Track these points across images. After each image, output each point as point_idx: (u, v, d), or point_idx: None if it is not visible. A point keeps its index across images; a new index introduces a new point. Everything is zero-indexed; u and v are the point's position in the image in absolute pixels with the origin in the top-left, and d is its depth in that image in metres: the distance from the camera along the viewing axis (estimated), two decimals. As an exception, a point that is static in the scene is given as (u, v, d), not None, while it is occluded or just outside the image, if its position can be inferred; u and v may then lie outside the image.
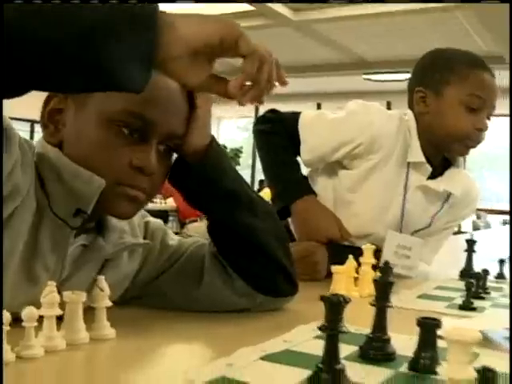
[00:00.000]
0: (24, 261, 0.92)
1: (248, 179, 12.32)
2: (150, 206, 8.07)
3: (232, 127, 13.85)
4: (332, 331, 0.69)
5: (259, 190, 8.27)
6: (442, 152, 1.79)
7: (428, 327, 0.79)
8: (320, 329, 0.70)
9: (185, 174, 1.05)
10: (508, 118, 9.45)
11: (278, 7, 6.82)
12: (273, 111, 1.86)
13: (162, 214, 7.64)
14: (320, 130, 1.76)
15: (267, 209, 1.17)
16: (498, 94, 1.75)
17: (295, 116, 1.79)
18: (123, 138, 0.96)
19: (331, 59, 9.05)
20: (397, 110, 1.82)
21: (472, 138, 1.72)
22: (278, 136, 1.80)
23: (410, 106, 1.81)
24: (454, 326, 0.56)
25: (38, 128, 11.46)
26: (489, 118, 1.74)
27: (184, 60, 0.80)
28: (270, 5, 6.66)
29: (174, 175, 1.06)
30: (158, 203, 8.22)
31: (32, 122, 10.49)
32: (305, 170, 1.87)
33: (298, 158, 1.81)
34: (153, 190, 1.03)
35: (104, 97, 0.94)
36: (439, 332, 0.77)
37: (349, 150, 1.72)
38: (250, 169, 12.67)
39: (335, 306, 0.69)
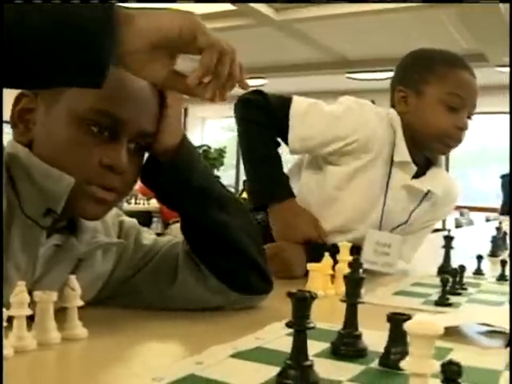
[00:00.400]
0: None
1: (232, 179, 12.31)
2: (133, 206, 8.09)
3: (216, 127, 13.81)
4: (299, 327, 0.69)
5: (244, 191, 8.25)
6: (423, 151, 1.79)
7: (398, 322, 0.79)
8: (287, 325, 0.70)
9: (156, 173, 1.05)
10: (493, 116, 9.56)
11: (261, 7, 6.81)
12: (259, 93, 1.80)
13: (146, 215, 7.64)
14: (314, 120, 1.73)
15: (239, 206, 1.17)
16: (477, 92, 1.76)
17: (285, 102, 1.75)
18: (93, 136, 0.96)
19: (314, 58, 9.05)
20: (383, 109, 1.82)
21: (452, 137, 1.73)
22: (263, 127, 1.77)
23: (393, 105, 1.82)
24: (417, 319, 0.56)
25: (7, 129, 11.28)
26: (470, 117, 1.75)
27: (142, 54, 0.80)
28: (252, 4, 6.64)
29: (145, 174, 1.06)
30: (141, 204, 8.21)
31: None
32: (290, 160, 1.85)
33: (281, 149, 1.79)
34: (125, 189, 1.03)
35: (73, 95, 0.95)
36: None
37: (341, 146, 1.71)
38: (234, 169, 12.65)
39: (302, 302, 0.69)
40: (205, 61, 0.85)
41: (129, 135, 0.98)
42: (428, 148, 1.78)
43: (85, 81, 0.78)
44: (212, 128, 13.80)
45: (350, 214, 1.76)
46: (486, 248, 2.38)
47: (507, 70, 7.01)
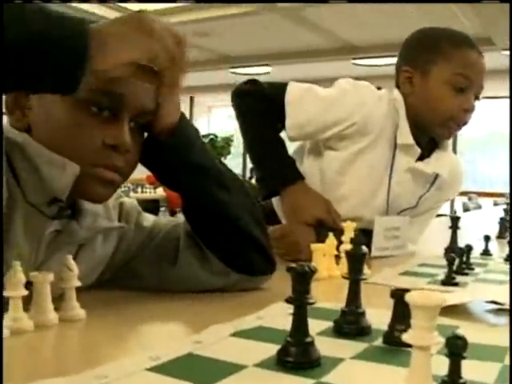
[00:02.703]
0: None
1: (239, 168, 12.30)
2: (140, 195, 8.10)
3: (223, 116, 13.79)
4: (299, 302, 0.67)
5: (251, 178, 8.24)
6: (428, 134, 1.76)
7: (402, 298, 0.77)
8: (287, 301, 0.68)
9: (155, 152, 1.03)
10: (502, 100, 9.48)
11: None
12: (253, 82, 1.78)
13: (153, 204, 7.64)
14: (310, 106, 1.69)
15: (240, 184, 1.15)
16: (484, 72, 1.72)
17: (280, 89, 1.71)
18: (93, 117, 0.94)
19: (319, 45, 8.99)
20: (385, 90, 1.77)
21: (458, 120, 1.69)
22: (262, 115, 1.73)
23: (397, 86, 1.78)
24: (417, 292, 0.54)
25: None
26: (477, 98, 1.71)
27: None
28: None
29: (144, 154, 1.04)
30: (148, 193, 8.22)
31: None
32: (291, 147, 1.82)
33: (282, 134, 1.76)
34: (128, 169, 1.01)
35: None
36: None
37: (340, 130, 1.67)
38: (241, 157, 12.63)
39: (301, 276, 0.67)
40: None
41: (129, 113, 0.96)
42: (431, 132, 1.75)
43: (58, 91, 0.79)
44: (219, 117, 13.79)
45: (354, 199, 1.74)
46: (493, 230, 2.36)
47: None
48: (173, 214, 7.64)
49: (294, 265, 0.68)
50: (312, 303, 0.67)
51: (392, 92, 1.74)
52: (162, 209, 8.48)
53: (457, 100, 1.67)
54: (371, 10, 7.08)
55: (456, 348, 0.57)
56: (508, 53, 7.42)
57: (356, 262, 0.83)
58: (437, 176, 1.77)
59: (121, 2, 7.24)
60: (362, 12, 7.17)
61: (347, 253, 0.84)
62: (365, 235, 1.43)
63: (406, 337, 0.53)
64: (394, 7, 6.89)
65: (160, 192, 7.99)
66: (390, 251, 1.69)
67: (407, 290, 0.78)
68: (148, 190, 8.38)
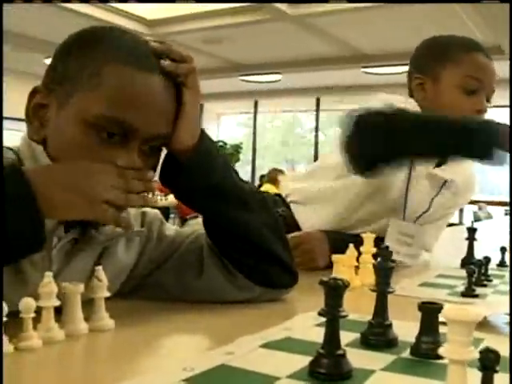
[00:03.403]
0: None
1: (248, 175, 12.32)
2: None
3: (232, 123, 13.84)
4: (332, 316, 0.68)
5: (260, 186, 8.26)
6: None
7: (429, 311, 0.78)
8: (320, 314, 0.69)
9: (174, 172, 1.03)
10: (507, 109, 9.45)
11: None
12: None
13: (163, 211, 7.64)
14: None
15: (261, 201, 1.15)
16: (495, 75, 1.75)
17: None
18: (102, 141, 0.94)
19: (329, 53, 9.01)
20: (401, 97, 1.77)
21: None
22: None
23: (410, 94, 1.81)
24: (454, 307, 0.55)
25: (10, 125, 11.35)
26: (488, 101, 1.73)
27: None
28: (267, -1, 6.64)
29: (163, 173, 1.05)
30: (159, 200, 8.22)
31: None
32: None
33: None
34: None
35: (83, 98, 0.93)
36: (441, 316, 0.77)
37: None
38: (250, 165, 12.65)
39: (334, 290, 0.68)
40: None
41: (140, 140, 0.96)
42: None
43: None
44: (228, 124, 13.82)
45: (370, 205, 1.75)
46: (507, 241, 2.36)
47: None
48: (183, 221, 7.64)
49: (326, 279, 0.69)
50: (344, 316, 0.69)
51: (407, 100, 1.76)
52: (172, 215, 8.49)
53: (469, 102, 1.70)
54: (382, 19, 7.10)
55: (489, 361, 0.58)
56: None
57: (384, 275, 0.84)
58: (446, 181, 1.79)
59: (121, 2, 7.28)
60: (372, 20, 7.19)
61: (375, 266, 0.86)
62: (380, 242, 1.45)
63: (442, 350, 0.54)
64: (404, 15, 6.90)
65: (171, 199, 8.00)
66: (402, 257, 1.69)
67: (434, 304, 0.79)
68: (159, 198, 8.40)
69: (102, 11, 7.28)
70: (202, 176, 1.03)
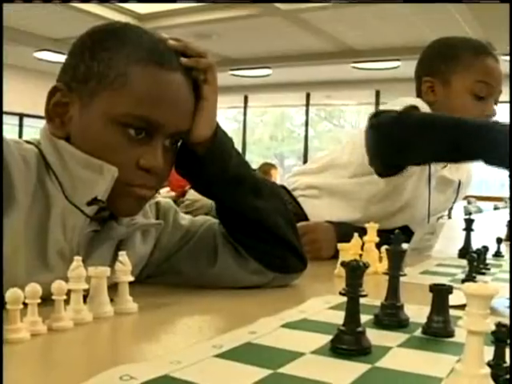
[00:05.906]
0: (38, 250, 0.94)
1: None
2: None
3: (221, 118, 13.75)
4: (353, 294, 0.73)
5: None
6: None
7: (440, 292, 0.83)
8: (341, 293, 0.74)
9: (191, 164, 1.08)
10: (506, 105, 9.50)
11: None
12: None
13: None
14: None
15: (273, 189, 1.20)
16: (502, 77, 1.78)
17: None
18: (129, 138, 0.98)
19: (319, 48, 9.06)
20: (410, 98, 1.77)
21: None
22: None
23: (419, 95, 1.83)
24: (472, 283, 0.60)
25: (27, 121, 11.49)
26: (496, 104, 1.77)
27: None
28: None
29: (180, 164, 1.09)
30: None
31: (21, 116, 10.47)
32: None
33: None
34: (159, 185, 1.06)
35: (109, 98, 0.97)
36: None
37: None
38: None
39: (355, 271, 0.73)
40: None
41: (164, 135, 1.01)
42: None
43: None
44: (217, 118, 13.79)
45: (385, 203, 1.80)
46: (500, 233, 2.41)
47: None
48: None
49: (348, 260, 0.73)
50: (364, 295, 0.73)
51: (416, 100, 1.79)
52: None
53: (479, 107, 1.73)
54: (372, 15, 7.14)
55: (501, 335, 0.64)
56: (508, 58, 7.47)
57: (396, 259, 0.89)
58: (460, 183, 1.85)
59: (121, 2, 7.29)
60: (362, 16, 7.23)
61: (387, 250, 0.90)
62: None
63: (461, 323, 0.59)
64: (395, 11, 6.95)
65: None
66: (421, 251, 1.81)
67: (443, 285, 0.84)
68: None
69: (92, 5, 7.27)
70: (221, 166, 1.08)
